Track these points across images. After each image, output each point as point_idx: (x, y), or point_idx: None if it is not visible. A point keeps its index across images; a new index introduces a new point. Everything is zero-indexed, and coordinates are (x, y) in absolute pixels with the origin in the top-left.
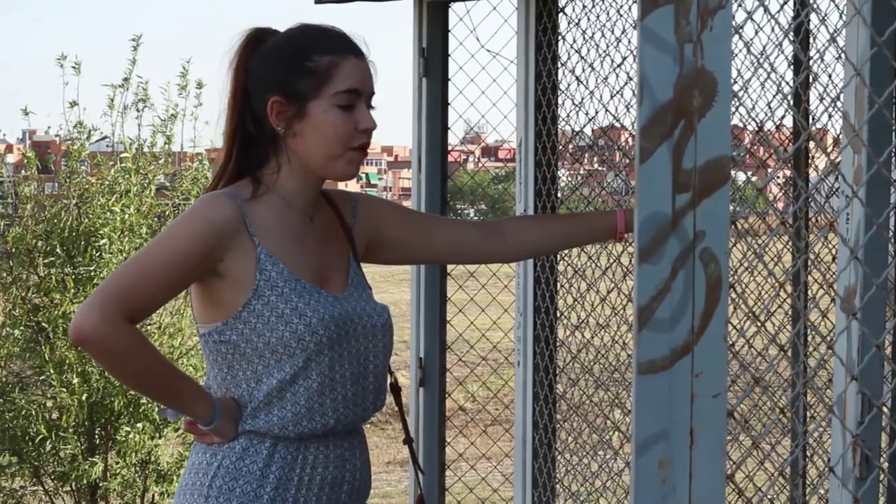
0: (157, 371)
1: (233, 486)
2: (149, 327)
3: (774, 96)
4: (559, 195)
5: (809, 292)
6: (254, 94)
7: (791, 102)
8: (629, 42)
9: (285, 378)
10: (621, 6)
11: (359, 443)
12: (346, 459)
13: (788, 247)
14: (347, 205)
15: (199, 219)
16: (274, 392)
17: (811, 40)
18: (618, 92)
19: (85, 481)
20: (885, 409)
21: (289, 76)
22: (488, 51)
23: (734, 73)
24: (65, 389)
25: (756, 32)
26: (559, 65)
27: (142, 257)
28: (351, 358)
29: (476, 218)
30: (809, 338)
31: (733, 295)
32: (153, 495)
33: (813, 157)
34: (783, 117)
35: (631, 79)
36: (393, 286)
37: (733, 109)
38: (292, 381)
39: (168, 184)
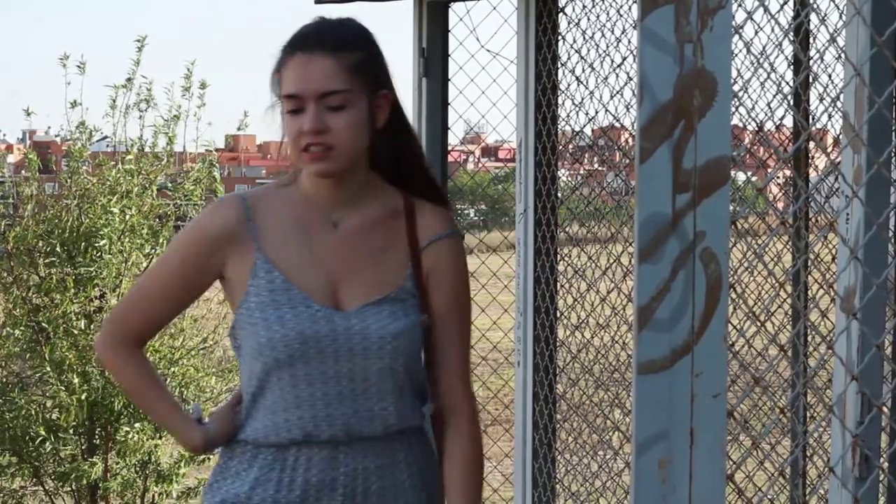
0: (140, 394)
1: (221, 485)
2: None
3: (774, 96)
4: (559, 195)
5: (809, 292)
6: None
7: (791, 102)
8: (629, 42)
9: (256, 388)
10: (621, 6)
11: (377, 449)
12: (341, 462)
13: (788, 247)
14: (435, 226)
15: (195, 228)
16: (249, 399)
17: (811, 40)
18: (618, 92)
19: (85, 481)
20: (885, 409)
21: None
22: (488, 51)
23: (734, 73)
24: (64, 389)
25: (756, 32)
26: (559, 65)
27: (145, 274)
28: (326, 378)
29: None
30: (809, 338)
31: (733, 295)
32: (153, 495)
33: (813, 157)
34: (783, 117)
35: (631, 79)
36: None
37: (733, 109)
38: (261, 392)
39: (170, 184)
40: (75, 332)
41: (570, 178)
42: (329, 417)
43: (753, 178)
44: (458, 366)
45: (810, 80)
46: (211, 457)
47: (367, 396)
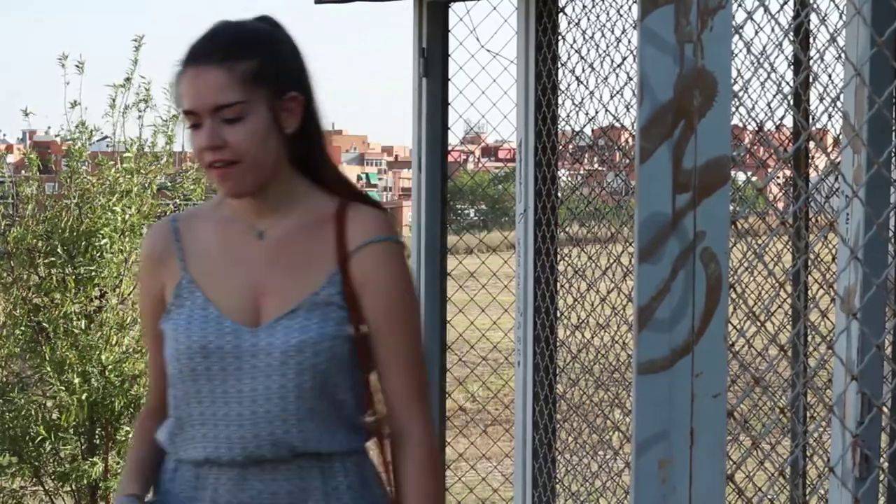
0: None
1: (157, 499)
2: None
3: (774, 96)
4: (559, 195)
5: (809, 292)
6: None
7: (791, 102)
8: (629, 42)
9: (171, 399)
10: (621, 6)
11: (289, 474)
12: (248, 485)
13: (788, 247)
14: (366, 230)
15: (140, 260)
16: (172, 409)
17: (811, 40)
18: (618, 92)
19: (85, 481)
20: (885, 409)
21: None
22: (488, 51)
23: (734, 73)
24: (64, 389)
25: (756, 32)
26: (559, 65)
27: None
28: (227, 398)
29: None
30: (809, 338)
31: (733, 295)
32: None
33: (813, 157)
34: (783, 117)
35: (631, 79)
36: None
37: (733, 109)
38: (175, 404)
39: (169, 184)
40: (75, 332)
41: (570, 178)
42: (228, 440)
43: (753, 178)
44: (403, 384)
45: (810, 80)
46: None
47: (269, 419)
